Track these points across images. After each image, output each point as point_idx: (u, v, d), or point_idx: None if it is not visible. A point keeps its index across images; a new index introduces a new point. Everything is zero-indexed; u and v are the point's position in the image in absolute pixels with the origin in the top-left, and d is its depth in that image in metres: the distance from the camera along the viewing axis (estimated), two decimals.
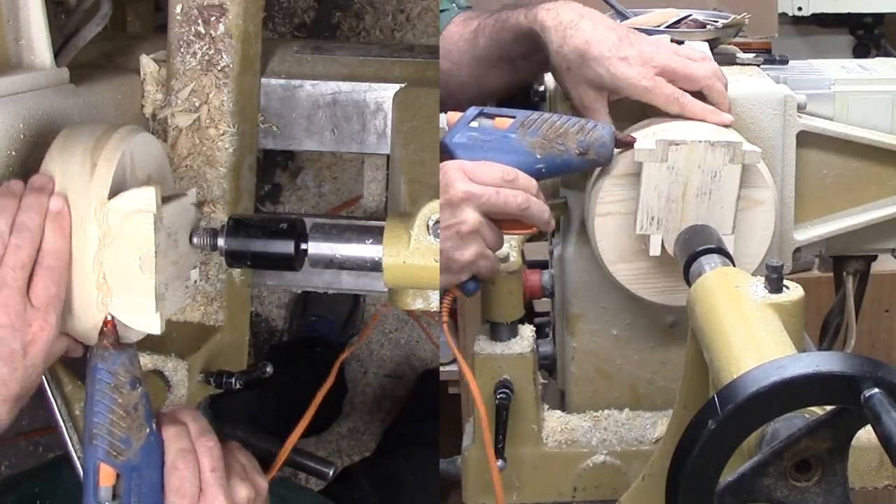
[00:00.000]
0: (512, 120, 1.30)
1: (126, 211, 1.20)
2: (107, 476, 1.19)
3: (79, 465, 1.38)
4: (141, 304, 1.21)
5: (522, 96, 1.60)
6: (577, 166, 1.31)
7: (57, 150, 1.22)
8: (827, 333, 1.64)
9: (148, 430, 1.21)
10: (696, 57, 1.36)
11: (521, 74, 1.53)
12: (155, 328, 1.23)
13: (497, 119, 1.31)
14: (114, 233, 1.20)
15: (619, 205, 1.32)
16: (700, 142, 1.28)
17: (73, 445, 1.40)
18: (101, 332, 1.21)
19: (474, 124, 1.30)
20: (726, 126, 1.34)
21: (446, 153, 1.30)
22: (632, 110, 1.38)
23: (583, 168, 1.32)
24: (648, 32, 1.50)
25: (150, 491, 1.20)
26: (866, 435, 0.87)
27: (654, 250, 1.31)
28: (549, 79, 1.50)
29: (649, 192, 1.29)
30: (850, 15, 2.64)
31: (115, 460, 1.18)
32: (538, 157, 1.29)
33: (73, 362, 1.34)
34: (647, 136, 1.31)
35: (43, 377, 1.37)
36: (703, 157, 1.28)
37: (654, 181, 1.28)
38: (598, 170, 1.34)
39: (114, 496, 1.19)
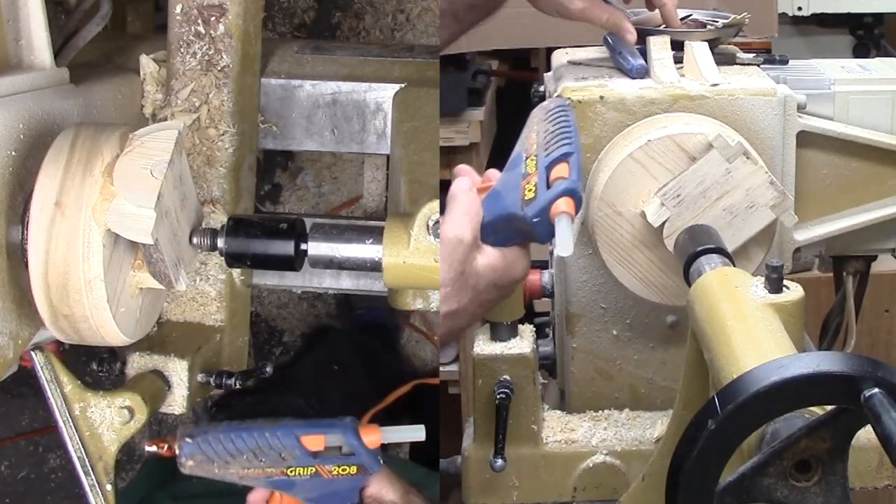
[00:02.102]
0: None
1: (152, 130, 1.25)
2: None
3: (79, 466, 1.39)
4: (142, 200, 1.22)
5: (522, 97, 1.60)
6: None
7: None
8: (827, 333, 1.64)
9: None
10: None
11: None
12: (146, 230, 1.22)
13: None
14: (135, 146, 1.24)
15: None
16: (766, 172, 1.29)
17: (72, 445, 1.40)
18: None
19: None
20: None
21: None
22: None
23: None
24: (648, 32, 1.50)
25: None
26: (866, 435, 0.87)
27: (655, 219, 1.30)
28: (548, 79, 1.50)
29: (696, 174, 1.29)
30: (850, 15, 2.64)
31: None
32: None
33: (74, 362, 1.34)
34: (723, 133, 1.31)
35: (43, 377, 1.37)
36: (757, 185, 1.28)
37: (707, 170, 1.28)
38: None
39: None
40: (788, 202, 1.30)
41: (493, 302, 1.20)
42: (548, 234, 1.11)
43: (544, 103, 1.26)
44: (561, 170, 1.12)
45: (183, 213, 1.33)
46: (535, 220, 1.10)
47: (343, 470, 1.37)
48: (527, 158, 1.18)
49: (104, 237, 1.22)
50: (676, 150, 1.31)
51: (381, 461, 1.41)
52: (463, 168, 1.23)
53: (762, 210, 1.29)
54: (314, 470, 1.36)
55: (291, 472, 1.36)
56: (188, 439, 1.36)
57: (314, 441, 1.36)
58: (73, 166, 1.23)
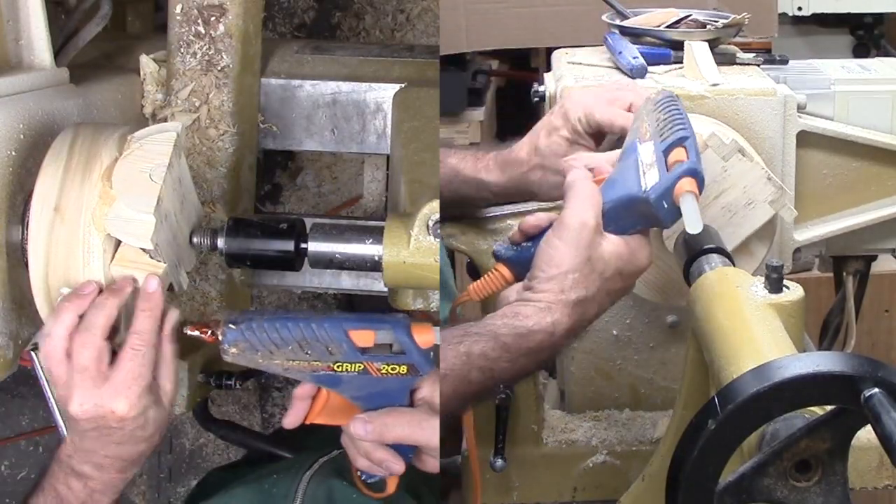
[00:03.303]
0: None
1: (150, 132, 1.25)
2: None
3: None
4: (141, 205, 1.22)
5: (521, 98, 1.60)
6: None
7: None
8: (827, 333, 1.64)
9: None
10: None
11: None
12: (146, 235, 1.22)
13: None
14: (133, 149, 1.23)
15: None
16: (763, 168, 1.29)
17: None
18: None
19: None
20: None
21: None
22: None
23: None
24: (649, 33, 1.50)
25: None
26: (866, 435, 0.87)
27: None
28: (549, 79, 1.50)
29: None
30: (850, 15, 2.64)
31: None
32: None
33: None
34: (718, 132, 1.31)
35: (43, 377, 1.37)
36: (754, 182, 1.28)
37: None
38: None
39: None
40: (786, 197, 1.29)
41: (618, 293, 1.18)
42: (672, 215, 1.12)
43: (650, 95, 1.27)
44: (679, 153, 1.13)
45: (182, 214, 1.33)
46: (658, 201, 1.11)
47: (392, 369, 1.28)
48: (641, 145, 1.18)
49: (104, 241, 1.22)
50: None
51: (433, 361, 1.30)
52: (573, 157, 1.23)
53: (761, 206, 1.29)
54: (362, 366, 1.28)
55: (338, 367, 1.28)
56: (231, 325, 1.27)
57: (363, 336, 1.28)
58: (72, 170, 1.23)
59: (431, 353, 1.29)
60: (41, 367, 1.34)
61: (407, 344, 1.28)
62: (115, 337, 1.24)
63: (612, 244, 1.15)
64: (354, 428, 1.27)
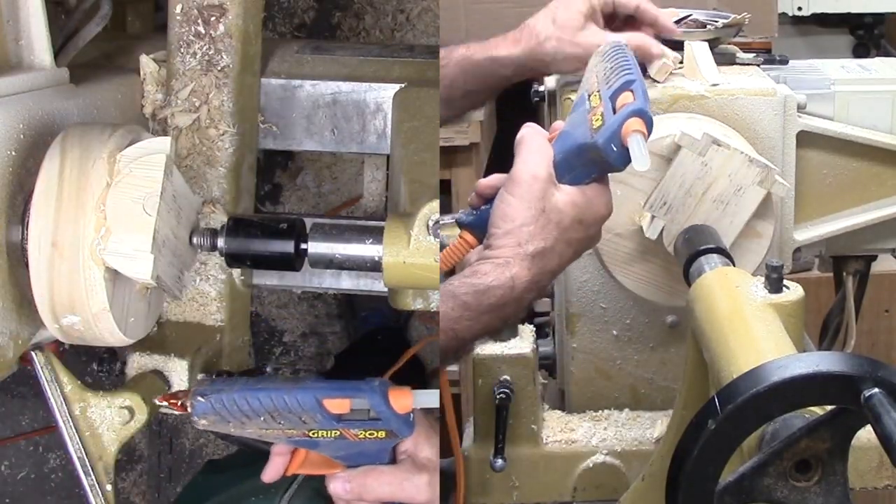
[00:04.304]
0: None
1: (139, 154, 1.22)
2: None
3: (79, 466, 1.39)
4: (138, 243, 1.21)
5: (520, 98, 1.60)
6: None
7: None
8: (827, 333, 1.64)
9: None
10: None
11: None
12: (146, 272, 1.22)
13: None
14: (123, 174, 1.22)
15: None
16: (742, 153, 1.28)
17: (72, 445, 1.40)
18: None
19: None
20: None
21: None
22: None
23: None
24: None
25: None
26: (866, 435, 0.87)
27: (652, 233, 1.30)
28: (548, 79, 1.50)
29: (675, 177, 1.29)
30: (850, 15, 2.64)
31: None
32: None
33: (74, 362, 1.34)
34: (691, 125, 1.31)
35: (43, 377, 1.37)
36: (737, 168, 1.28)
37: (684, 169, 1.28)
38: None
39: None
40: (773, 173, 1.29)
41: (583, 242, 1.17)
42: (621, 158, 1.10)
43: (598, 48, 1.25)
44: (625, 97, 1.12)
45: (180, 225, 1.32)
46: (607, 144, 1.10)
47: (370, 434, 1.28)
48: (589, 96, 1.17)
49: (105, 272, 1.23)
50: (652, 158, 1.31)
51: (414, 423, 1.30)
52: (528, 125, 1.22)
53: (751, 189, 1.29)
54: (338, 433, 1.27)
55: (313, 434, 1.28)
56: (200, 398, 1.28)
57: (338, 405, 1.27)
58: (65, 202, 1.22)
59: (411, 416, 1.29)
60: (41, 367, 1.35)
61: (384, 411, 1.27)
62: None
63: (567, 194, 1.14)
64: (334, 487, 1.28)
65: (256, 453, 1.75)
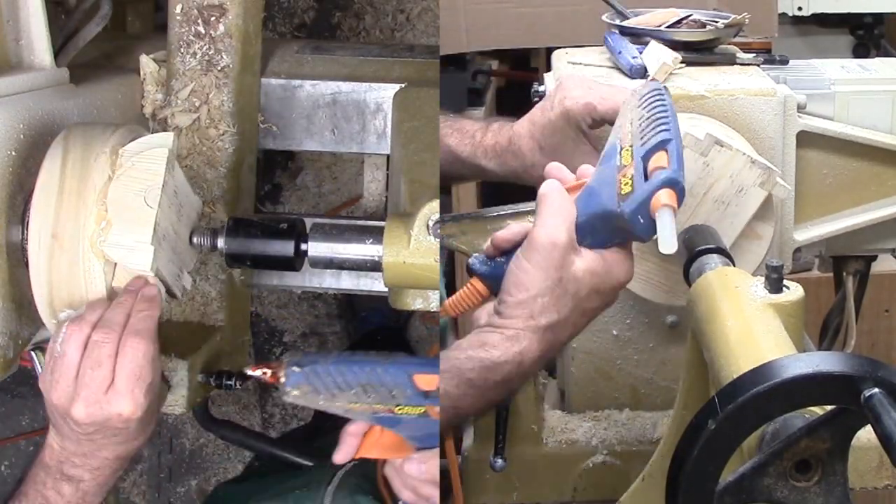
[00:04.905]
0: None
1: (142, 148, 1.23)
2: None
3: None
4: (139, 235, 1.22)
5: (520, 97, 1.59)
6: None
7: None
8: (827, 333, 1.64)
9: None
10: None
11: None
12: (146, 263, 1.22)
13: None
14: (125, 167, 1.23)
15: None
16: (744, 154, 1.28)
17: None
18: None
19: None
20: None
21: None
22: None
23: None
24: (649, 33, 1.50)
25: None
26: (866, 435, 0.87)
27: None
28: (548, 79, 1.50)
29: None
30: (850, 15, 2.64)
31: None
32: None
33: None
34: (691, 126, 1.30)
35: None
36: (739, 169, 1.27)
37: (686, 169, 1.28)
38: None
39: None
40: (775, 175, 1.28)
41: (596, 311, 1.11)
42: (648, 231, 1.02)
43: (637, 88, 1.19)
44: (659, 159, 1.04)
45: (181, 221, 1.33)
46: (633, 215, 1.02)
47: None
48: (622, 150, 1.09)
49: (104, 265, 1.23)
50: None
51: None
52: (554, 166, 1.15)
53: (752, 190, 1.28)
54: (423, 410, 1.24)
55: (399, 410, 1.25)
56: (295, 368, 1.24)
57: (428, 380, 1.24)
58: (66, 195, 1.23)
59: None
60: (41, 367, 1.34)
61: None
62: None
63: (586, 261, 1.08)
64: (409, 468, 1.25)
65: (262, 462, 1.75)
